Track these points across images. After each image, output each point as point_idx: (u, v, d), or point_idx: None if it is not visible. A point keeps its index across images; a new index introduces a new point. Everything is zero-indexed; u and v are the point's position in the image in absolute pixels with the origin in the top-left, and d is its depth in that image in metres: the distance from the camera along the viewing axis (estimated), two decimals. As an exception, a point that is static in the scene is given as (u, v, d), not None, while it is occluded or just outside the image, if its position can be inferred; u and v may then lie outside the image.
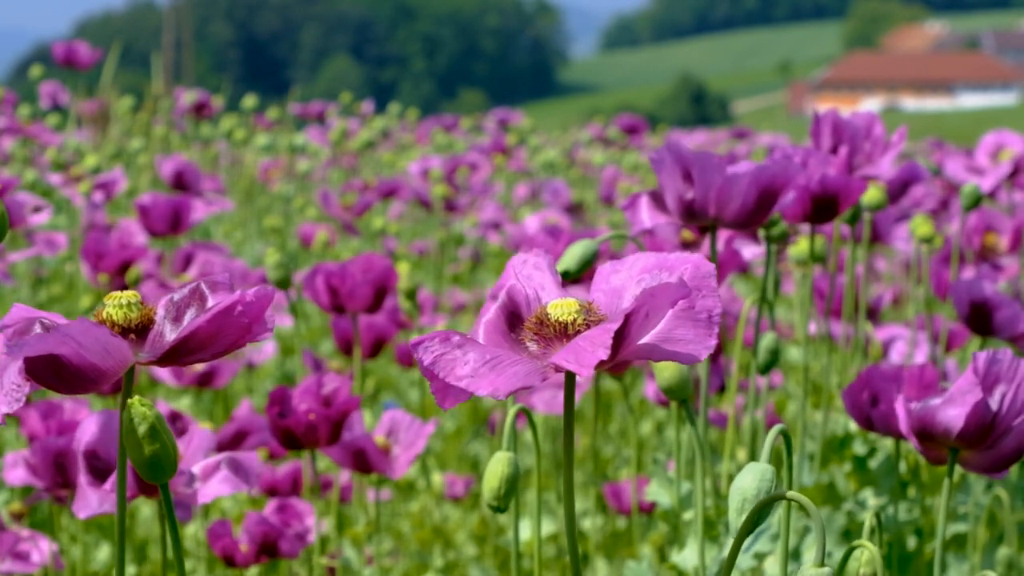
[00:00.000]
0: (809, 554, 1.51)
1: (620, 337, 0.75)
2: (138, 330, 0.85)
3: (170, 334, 0.85)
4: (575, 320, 0.77)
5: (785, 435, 0.93)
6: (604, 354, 0.73)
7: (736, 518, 0.84)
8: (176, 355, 0.84)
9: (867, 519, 1.10)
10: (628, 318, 0.74)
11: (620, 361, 0.77)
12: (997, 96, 56.08)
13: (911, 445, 1.48)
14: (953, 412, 1.11)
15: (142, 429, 0.83)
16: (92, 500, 1.23)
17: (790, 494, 0.82)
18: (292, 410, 1.58)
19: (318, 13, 70.60)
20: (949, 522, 1.78)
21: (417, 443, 1.72)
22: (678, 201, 1.30)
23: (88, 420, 1.28)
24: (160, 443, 0.83)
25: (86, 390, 0.83)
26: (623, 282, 0.81)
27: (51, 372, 0.81)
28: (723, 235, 1.61)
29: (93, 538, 2.20)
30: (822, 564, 0.81)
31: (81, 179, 3.28)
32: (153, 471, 0.84)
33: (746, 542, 1.42)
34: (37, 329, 0.84)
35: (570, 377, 0.79)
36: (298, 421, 1.56)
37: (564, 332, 0.77)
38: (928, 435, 1.13)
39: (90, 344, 0.80)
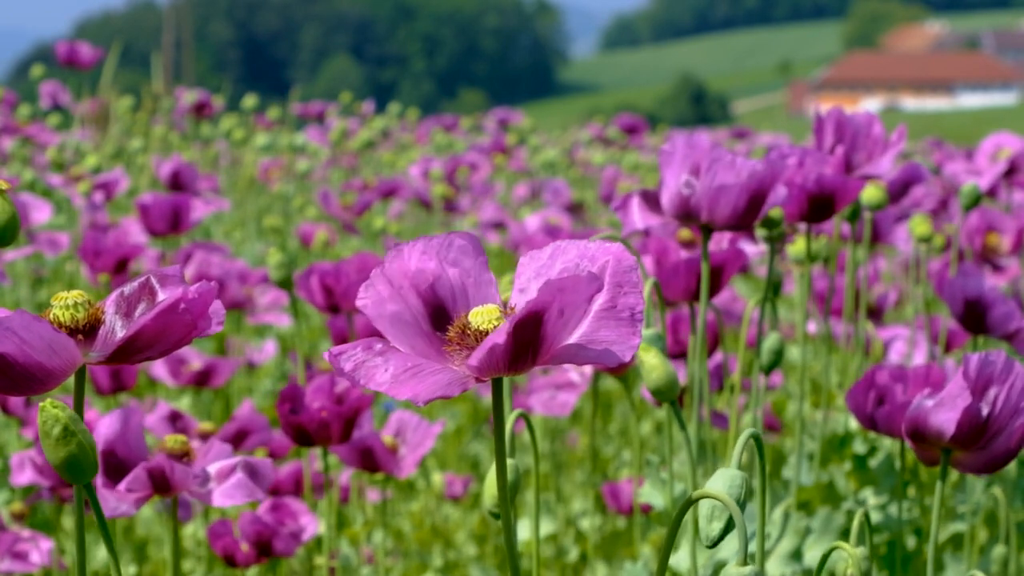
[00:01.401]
0: (811, 554, 1.51)
1: (536, 336, 0.73)
2: (86, 330, 0.83)
3: (120, 331, 0.84)
4: (496, 328, 0.75)
5: (756, 439, 0.92)
6: (501, 339, 0.71)
7: (707, 525, 0.84)
8: (125, 354, 0.83)
9: (856, 519, 1.10)
10: (537, 314, 0.72)
11: (546, 364, 0.75)
12: (997, 96, 56.07)
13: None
14: (944, 416, 1.11)
15: (55, 432, 0.81)
16: (109, 501, 1.23)
17: (709, 492, 0.81)
18: (304, 407, 1.58)
19: (318, 13, 70.58)
20: (948, 522, 1.78)
21: (425, 443, 1.72)
22: (675, 199, 1.30)
23: (107, 418, 1.29)
24: (76, 444, 0.82)
25: (34, 391, 0.82)
26: (545, 277, 0.78)
27: None
28: (727, 235, 1.61)
29: (93, 538, 2.20)
30: (745, 563, 0.81)
31: (81, 179, 3.28)
32: (71, 472, 0.82)
33: (737, 546, 1.42)
34: None
35: (496, 383, 0.77)
36: (311, 418, 1.56)
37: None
38: (921, 436, 1.13)
39: (34, 341, 0.79)
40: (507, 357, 0.74)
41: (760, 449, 0.96)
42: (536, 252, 0.79)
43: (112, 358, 0.83)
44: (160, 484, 1.24)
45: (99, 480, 1.25)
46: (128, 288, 0.85)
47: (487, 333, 0.75)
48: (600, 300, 0.75)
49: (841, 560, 1.07)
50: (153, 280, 0.85)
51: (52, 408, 0.81)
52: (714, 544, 0.83)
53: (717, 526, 0.83)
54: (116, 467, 1.25)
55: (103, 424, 1.29)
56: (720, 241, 1.62)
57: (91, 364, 0.83)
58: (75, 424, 0.82)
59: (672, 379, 1.16)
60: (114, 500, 1.23)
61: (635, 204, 1.36)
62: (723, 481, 0.84)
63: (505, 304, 0.79)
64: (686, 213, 1.29)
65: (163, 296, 0.84)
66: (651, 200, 1.36)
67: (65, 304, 0.83)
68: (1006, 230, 2.20)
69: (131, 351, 0.83)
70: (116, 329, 0.84)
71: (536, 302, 0.72)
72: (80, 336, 0.83)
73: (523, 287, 0.79)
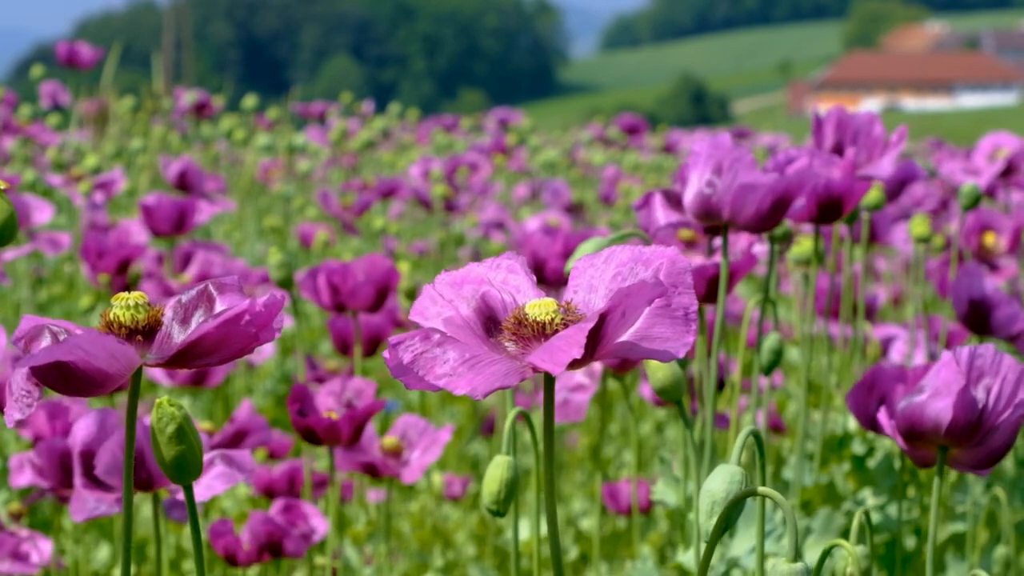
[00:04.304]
0: (810, 554, 1.51)
1: (596, 336, 0.75)
2: (145, 331, 0.84)
3: (178, 336, 0.85)
4: (553, 320, 0.77)
5: (756, 436, 0.92)
6: (578, 352, 0.73)
7: (706, 520, 0.84)
8: (184, 358, 0.84)
9: (855, 518, 1.10)
10: (604, 317, 0.75)
11: (599, 359, 0.78)
12: (997, 96, 56.07)
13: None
14: (941, 404, 1.10)
15: (170, 429, 0.83)
16: (88, 501, 1.23)
17: (761, 490, 0.82)
18: (314, 409, 1.58)
19: (318, 13, 70.58)
20: (948, 522, 1.78)
21: (432, 450, 1.72)
22: (698, 198, 1.30)
23: (83, 420, 1.28)
24: (187, 444, 0.83)
25: (92, 393, 0.83)
26: (599, 278, 0.81)
27: (58, 377, 0.82)
28: (743, 239, 1.61)
29: (93, 538, 2.20)
30: (795, 559, 0.81)
31: (81, 179, 3.28)
32: (178, 472, 0.84)
33: (748, 546, 1.42)
34: (46, 336, 0.84)
35: (548, 379, 0.79)
36: (319, 421, 1.56)
37: (542, 332, 0.78)
38: (916, 433, 1.12)
39: (98, 352, 0.81)
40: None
41: (760, 447, 0.96)
42: (591, 257, 0.82)
43: (171, 362, 0.84)
44: (140, 481, 1.23)
45: (78, 481, 1.25)
46: (186, 296, 0.86)
47: (544, 324, 0.77)
48: (656, 300, 0.77)
49: (841, 559, 1.07)
50: (211, 288, 0.86)
51: (168, 406, 0.82)
52: (713, 538, 0.84)
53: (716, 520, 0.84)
54: (95, 468, 1.25)
55: (80, 426, 1.28)
56: (732, 244, 1.62)
57: (148, 366, 0.84)
58: (188, 424, 0.83)
59: (678, 379, 1.17)
60: (93, 501, 1.23)
61: (657, 202, 1.37)
62: (723, 477, 0.84)
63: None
64: (707, 211, 1.30)
65: (221, 303, 0.85)
66: (672, 199, 1.37)
67: (126, 304, 0.84)
68: (1002, 230, 2.20)
69: (191, 356, 0.84)
70: (173, 334, 0.85)
71: (604, 308, 0.74)
72: (139, 337, 0.84)
73: (576, 288, 0.82)
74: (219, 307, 0.85)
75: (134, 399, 0.85)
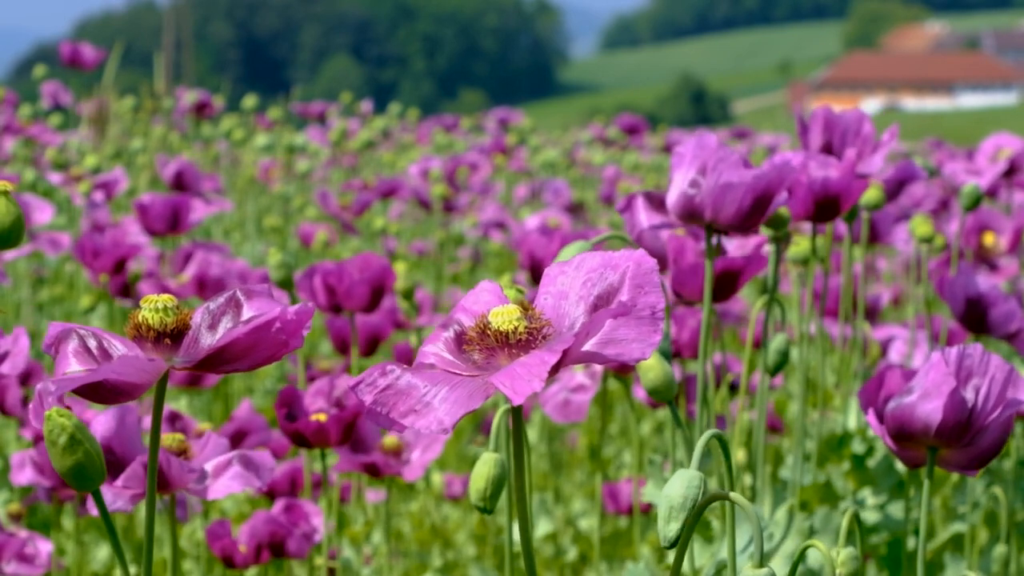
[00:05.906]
0: (813, 554, 1.51)
1: (560, 361, 0.73)
2: (173, 335, 0.84)
3: (206, 341, 0.85)
4: (516, 328, 0.75)
5: (720, 439, 0.91)
6: (539, 386, 0.71)
7: (664, 526, 0.83)
8: (212, 363, 0.84)
9: (845, 518, 1.10)
10: (568, 351, 0.73)
11: (566, 367, 0.76)
12: (997, 96, 56.07)
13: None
14: (930, 406, 1.09)
15: (62, 440, 0.81)
16: (105, 497, 1.23)
17: (732, 495, 0.81)
18: (303, 410, 1.58)
19: (318, 13, 70.59)
20: (949, 522, 1.78)
21: (433, 448, 1.72)
22: (681, 199, 1.30)
23: (102, 415, 1.29)
24: (83, 452, 0.82)
25: (120, 401, 0.83)
26: (569, 284, 0.79)
27: (88, 390, 0.82)
28: (753, 239, 1.61)
29: (92, 538, 2.20)
30: (761, 564, 0.81)
31: (81, 179, 3.28)
32: (78, 480, 0.83)
33: (741, 545, 1.42)
34: (74, 339, 0.84)
35: (515, 407, 0.77)
36: (307, 424, 1.56)
37: (506, 341, 0.76)
38: (906, 434, 1.11)
39: (127, 370, 0.81)
40: None
41: (725, 450, 0.95)
42: (562, 263, 0.80)
43: (199, 366, 0.84)
44: (159, 480, 1.24)
45: None
46: (214, 303, 0.86)
47: (506, 333, 0.75)
48: (621, 300, 0.76)
49: (825, 560, 1.07)
50: (240, 295, 0.86)
51: (58, 417, 0.81)
52: (671, 545, 0.83)
53: (674, 527, 0.82)
54: (113, 464, 1.26)
55: (98, 422, 1.29)
56: (743, 245, 1.62)
57: (175, 369, 0.84)
58: (81, 432, 0.82)
59: (669, 379, 1.16)
60: (111, 496, 1.24)
61: (640, 205, 1.36)
62: (680, 482, 0.83)
63: (523, 306, 0.78)
64: (691, 211, 1.29)
65: (249, 310, 0.85)
66: (655, 201, 1.36)
67: (155, 307, 0.84)
68: (1002, 230, 2.20)
69: (219, 361, 0.84)
70: (201, 339, 0.85)
71: (571, 343, 0.73)
72: (167, 340, 0.84)
73: (547, 294, 0.80)
74: (246, 313, 0.85)
75: (160, 402, 0.85)
